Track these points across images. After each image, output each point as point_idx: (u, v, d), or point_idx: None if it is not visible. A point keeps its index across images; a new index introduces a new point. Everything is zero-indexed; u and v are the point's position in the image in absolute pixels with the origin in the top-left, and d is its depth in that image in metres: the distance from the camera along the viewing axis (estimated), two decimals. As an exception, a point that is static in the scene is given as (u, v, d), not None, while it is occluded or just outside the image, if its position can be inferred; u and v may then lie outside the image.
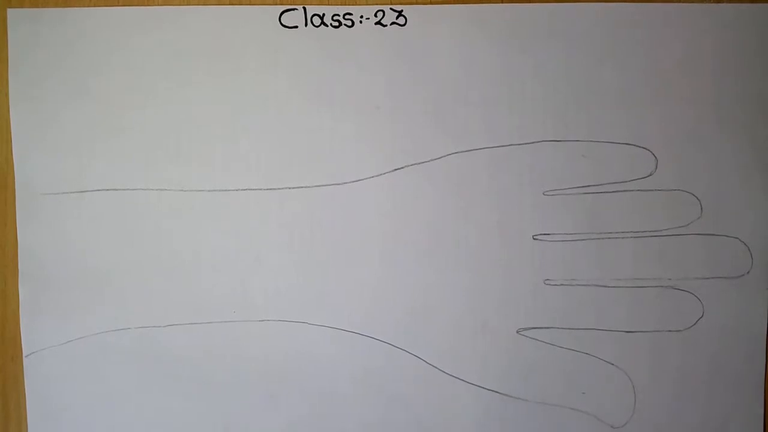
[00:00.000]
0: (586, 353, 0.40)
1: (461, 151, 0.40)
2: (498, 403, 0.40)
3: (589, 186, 0.40)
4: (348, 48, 0.39)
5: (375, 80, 0.39)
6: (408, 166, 0.40)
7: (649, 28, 0.39)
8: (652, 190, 0.40)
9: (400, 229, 0.40)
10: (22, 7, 0.39)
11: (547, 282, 0.40)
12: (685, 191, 0.40)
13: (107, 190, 0.39)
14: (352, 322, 0.40)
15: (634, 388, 0.40)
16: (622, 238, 0.40)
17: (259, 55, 0.39)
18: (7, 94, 0.39)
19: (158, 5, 0.39)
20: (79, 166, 0.39)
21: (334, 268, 0.40)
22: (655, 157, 0.40)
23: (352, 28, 0.39)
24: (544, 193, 0.40)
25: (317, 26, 0.39)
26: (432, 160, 0.40)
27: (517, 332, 0.40)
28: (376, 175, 0.40)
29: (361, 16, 0.39)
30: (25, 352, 0.39)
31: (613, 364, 0.40)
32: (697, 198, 0.40)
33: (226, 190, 0.39)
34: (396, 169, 0.40)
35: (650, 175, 0.40)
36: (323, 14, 0.39)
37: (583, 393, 0.40)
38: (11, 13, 0.39)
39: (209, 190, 0.39)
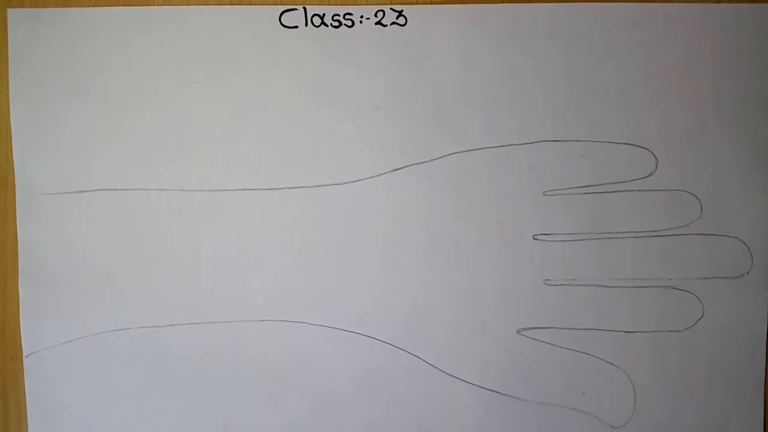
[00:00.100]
0: (586, 353, 0.40)
1: (461, 151, 0.40)
2: (498, 403, 0.40)
3: (589, 186, 0.40)
4: (348, 48, 0.39)
5: (375, 80, 0.39)
6: (408, 166, 0.40)
7: (649, 28, 0.39)
8: (652, 190, 0.40)
9: (400, 229, 0.40)
10: (22, 7, 0.39)
11: (547, 282, 0.40)
12: (685, 191, 0.40)
13: (107, 190, 0.39)
14: (352, 322, 0.40)
15: (634, 388, 0.40)
16: (622, 238, 0.40)
17: (259, 55, 0.39)
18: (7, 94, 0.39)
19: (158, 5, 0.39)
20: (79, 166, 0.39)
21: (334, 268, 0.40)
22: (655, 157, 0.40)
23: (352, 28, 0.39)
24: (544, 193, 0.40)
25: (317, 26, 0.39)
26: (432, 160, 0.40)
27: (517, 332, 0.40)
28: (376, 175, 0.40)
29: (361, 16, 0.39)
30: (25, 352, 0.39)
31: (613, 364, 0.40)
32: (697, 198, 0.40)
33: (226, 190, 0.39)
34: (396, 169, 0.40)
35: (650, 175, 0.40)
36: (323, 14, 0.39)
37: (583, 393, 0.40)
38: (11, 13, 0.39)
39: (209, 190, 0.39)
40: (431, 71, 0.39)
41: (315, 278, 0.40)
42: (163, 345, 0.39)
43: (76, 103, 0.39)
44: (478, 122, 0.39)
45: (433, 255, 0.40)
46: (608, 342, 0.40)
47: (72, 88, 0.39)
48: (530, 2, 0.39)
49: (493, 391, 0.40)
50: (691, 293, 0.40)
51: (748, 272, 0.40)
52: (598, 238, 0.40)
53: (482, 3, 0.39)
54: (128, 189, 0.39)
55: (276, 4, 0.39)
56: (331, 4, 0.39)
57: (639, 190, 0.40)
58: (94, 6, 0.39)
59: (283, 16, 0.39)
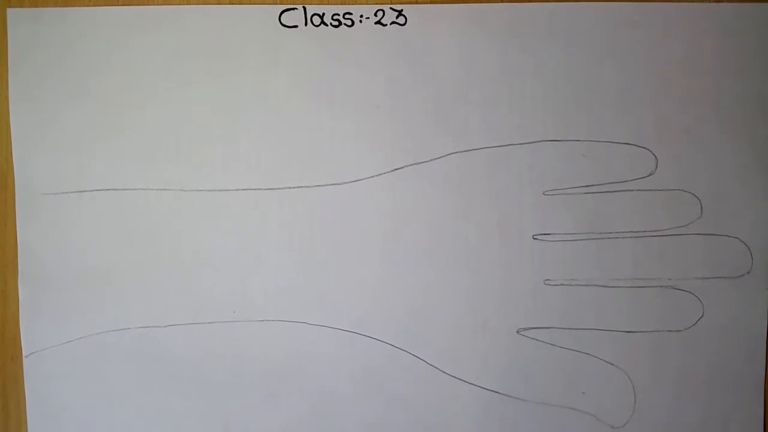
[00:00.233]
0: (586, 353, 0.40)
1: (461, 151, 0.39)
2: (498, 403, 0.40)
3: (589, 186, 0.40)
4: (348, 47, 0.39)
5: (375, 79, 0.39)
6: (408, 165, 0.40)
7: (649, 28, 0.39)
8: (652, 190, 0.40)
9: (400, 229, 0.40)
10: (22, 6, 0.39)
11: (547, 282, 0.40)
12: (685, 191, 0.40)
13: (107, 190, 0.39)
14: (351, 322, 0.40)
15: (634, 388, 0.40)
16: (622, 238, 0.40)
17: (259, 54, 0.39)
18: (7, 94, 0.39)
19: (158, 5, 0.39)
20: (79, 166, 0.39)
21: (334, 267, 0.40)
22: (655, 157, 0.40)
23: (352, 28, 0.39)
24: (544, 193, 0.40)
25: (317, 26, 0.39)
26: (432, 159, 0.40)
27: (517, 332, 0.40)
28: (376, 175, 0.39)
29: (361, 16, 0.39)
30: (25, 352, 0.39)
31: (613, 364, 0.40)
32: (697, 198, 0.40)
33: (226, 190, 0.39)
34: (396, 169, 0.40)
35: (650, 174, 0.40)
36: (323, 14, 0.39)
37: (583, 393, 0.40)
38: (11, 12, 0.39)
39: (209, 190, 0.39)
40: (431, 70, 0.39)
41: (315, 278, 0.40)
42: (163, 345, 0.39)
43: (76, 103, 0.39)
44: (478, 122, 0.39)
45: (433, 255, 0.40)
46: (608, 342, 0.40)
47: (72, 88, 0.39)
48: (530, 2, 0.39)
49: (492, 391, 0.40)
50: (691, 293, 0.40)
51: (748, 272, 0.40)
52: (598, 238, 0.40)
53: (482, 2, 0.39)
54: (128, 189, 0.39)
55: (276, 4, 0.39)
56: (331, 4, 0.39)
57: (639, 190, 0.40)
58: (94, 6, 0.39)
59: (282, 15, 0.39)
